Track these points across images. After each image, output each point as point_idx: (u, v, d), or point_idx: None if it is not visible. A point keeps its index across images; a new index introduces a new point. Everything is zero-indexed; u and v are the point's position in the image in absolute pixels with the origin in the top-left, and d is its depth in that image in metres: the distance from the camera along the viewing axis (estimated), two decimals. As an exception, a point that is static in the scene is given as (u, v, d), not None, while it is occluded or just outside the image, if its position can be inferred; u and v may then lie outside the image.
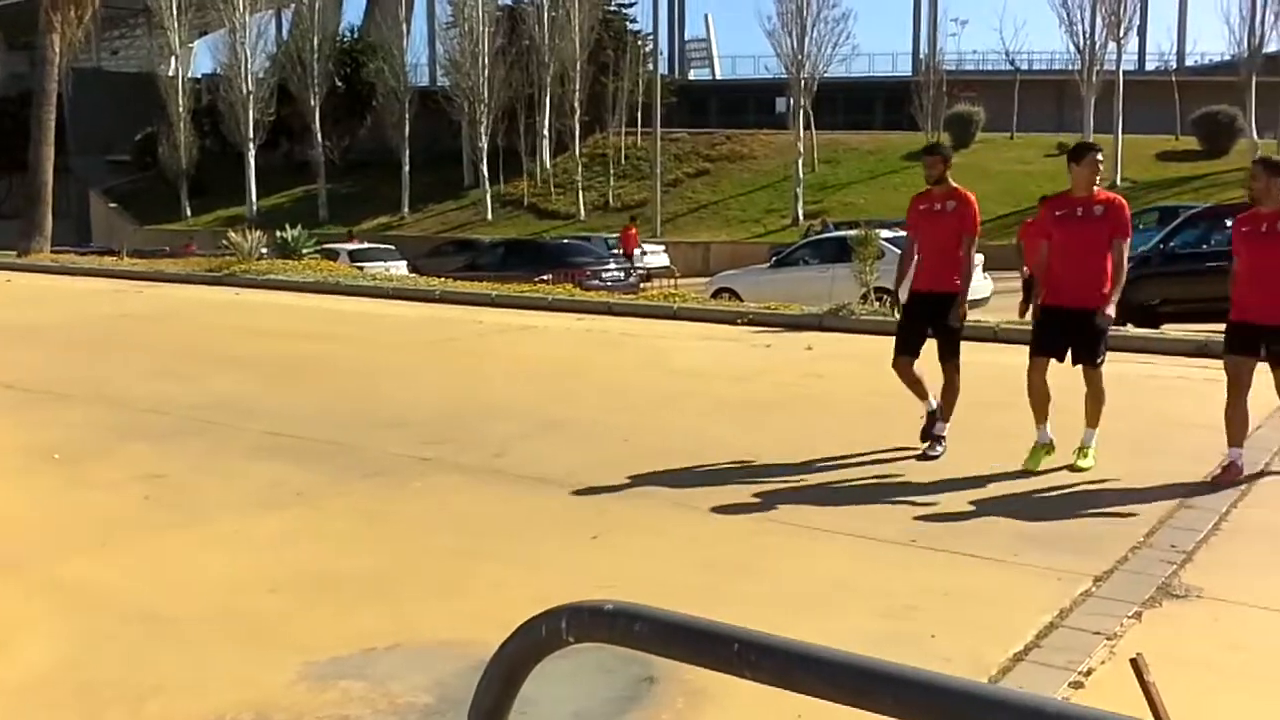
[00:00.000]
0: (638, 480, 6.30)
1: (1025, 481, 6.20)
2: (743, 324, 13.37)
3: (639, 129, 48.45)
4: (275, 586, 4.70)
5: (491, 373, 10.50)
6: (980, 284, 17.20)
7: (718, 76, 64.46)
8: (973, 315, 14.55)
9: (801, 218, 39.44)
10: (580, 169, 45.59)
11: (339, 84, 50.69)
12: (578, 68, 45.33)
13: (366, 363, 11.16)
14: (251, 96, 48.76)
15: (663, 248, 34.40)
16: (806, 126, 43.11)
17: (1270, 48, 39.21)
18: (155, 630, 4.26)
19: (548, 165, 47.81)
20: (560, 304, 15.63)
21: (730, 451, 7.02)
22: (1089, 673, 3.69)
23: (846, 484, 6.25)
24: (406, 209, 47.81)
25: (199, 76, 57.10)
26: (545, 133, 47.50)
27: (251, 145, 49.09)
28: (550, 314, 14.92)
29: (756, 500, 5.86)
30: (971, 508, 5.71)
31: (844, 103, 51.43)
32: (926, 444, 6.79)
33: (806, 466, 6.61)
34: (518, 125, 46.52)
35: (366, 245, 30.09)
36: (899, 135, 46.17)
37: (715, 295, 17.77)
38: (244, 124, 48.63)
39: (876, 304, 14.01)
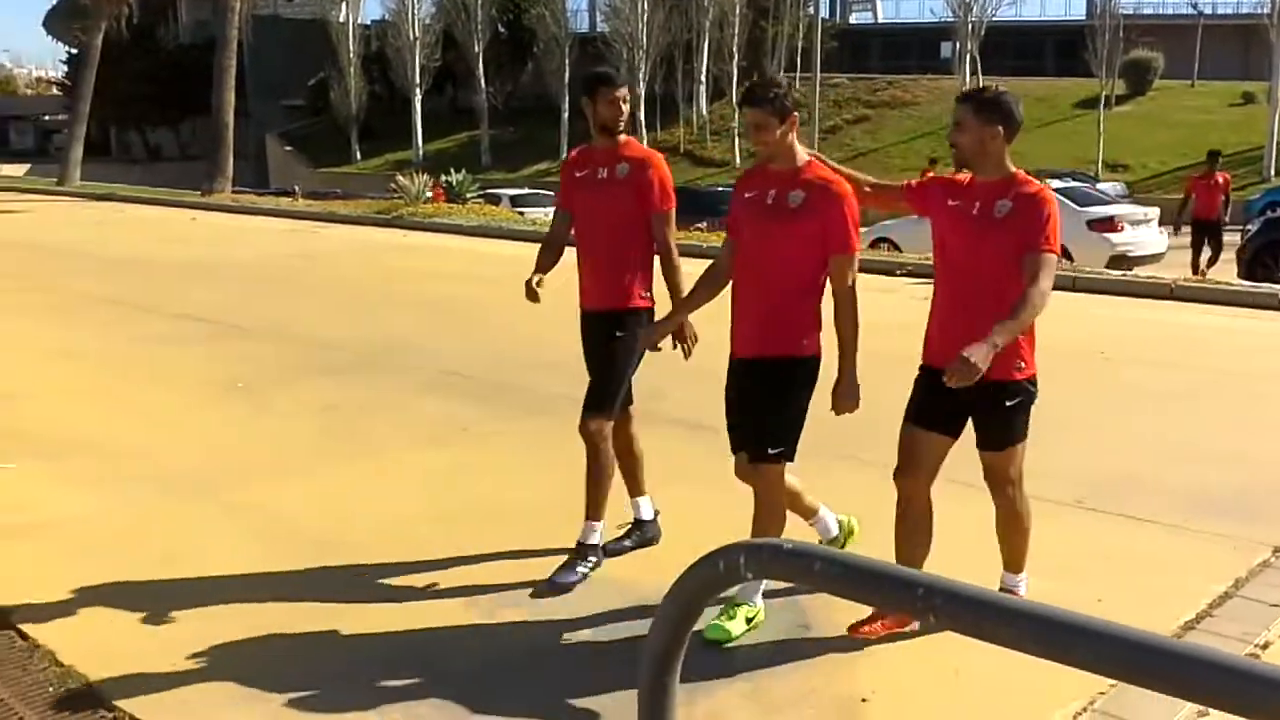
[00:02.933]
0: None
1: (1201, 446, 5.96)
2: (901, 275, 13.11)
3: (798, 74, 47.61)
4: (444, 518, 4.91)
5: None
6: (1155, 238, 16.46)
7: (880, 20, 62.69)
8: (1149, 271, 14.00)
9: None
10: (737, 115, 45.10)
11: (501, 30, 51.35)
12: (737, 12, 44.76)
13: (528, 305, 11.34)
14: (418, 43, 49.86)
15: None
16: (973, 72, 41.62)
17: None
18: (330, 554, 4.49)
19: (704, 112, 47.51)
20: (714, 251, 15.59)
21: (891, 405, 6.92)
22: (1265, 646, 3.56)
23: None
24: (566, 154, 48.30)
25: (368, 23, 58.70)
26: (702, 79, 47.17)
27: (418, 91, 50.28)
28: (707, 261, 14.90)
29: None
30: (1143, 470, 5.52)
31: (1013, 47, 49.37)
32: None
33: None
34: (675, 71, 46.30)
35: (527, 190, 30.54)
36: (1070, 82, 44.12)
37: (873, 245, 17.45)
38: (410, 70, 49.82)
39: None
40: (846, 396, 3.95)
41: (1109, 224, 15.71)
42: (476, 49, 49.46)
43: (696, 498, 5.19)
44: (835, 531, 4.43)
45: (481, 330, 9.72)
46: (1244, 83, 41.76)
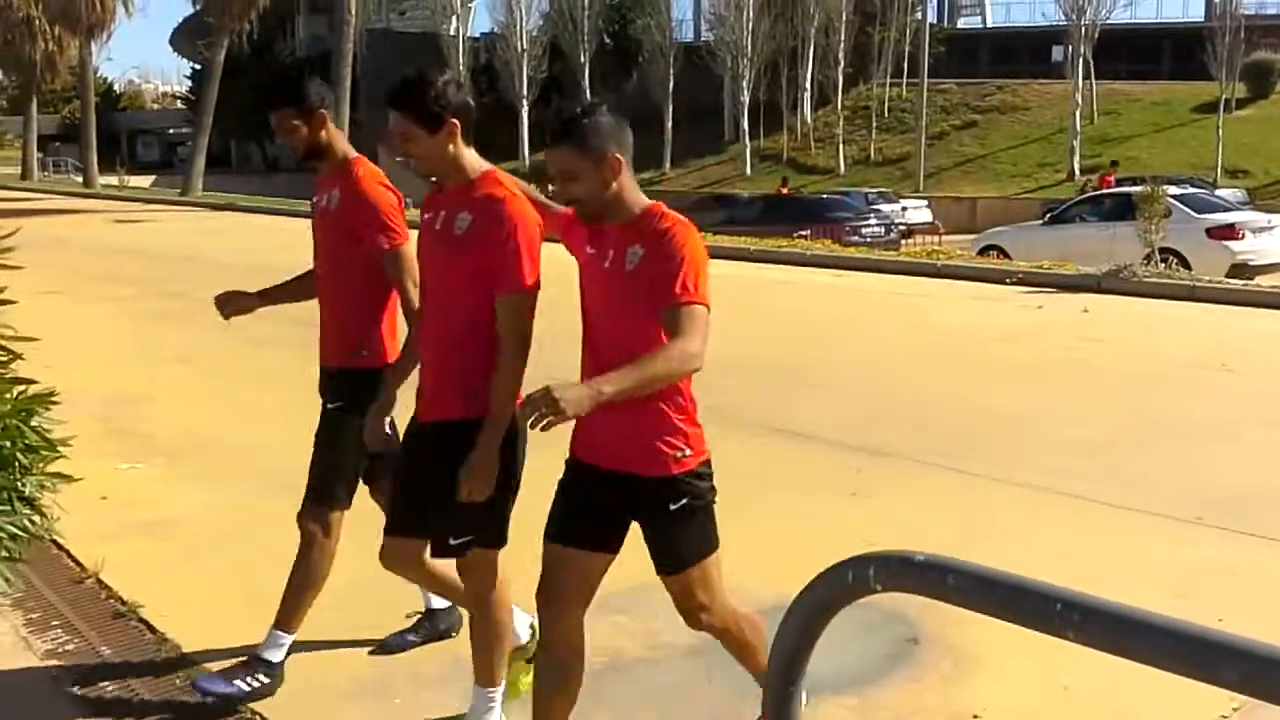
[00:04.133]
0: (896, 440, 6.23)
1: (1330, 463, 5.73)
2: (1011, 283, 12.87)
3: (904, 80, 47.02)
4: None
5: (749, 327, 10.57)
6: (1278, 247, 15.85)
7: (989, 24, 61.52)
8: (1270, 280, 13.48)
9: (1078, 173, 37.28)
10: (841, 122, 44.76)
11: (607, 41, 51.81)
12: (843, 18, 44.41)
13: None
14: (525, 54, 50.60)
15: (925, 203, 33.39)
16: (1085, 76, 40.57)
17: None
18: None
19: (808, 119, 47.21)
20: (818, 259, 15.52)
21: (994, 414, 6.82)
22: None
23: (1125, 455, 5.95)
24: (668, 164, 48.45)
25: (477, 35, 59.75)
26: (807, 86, 46.88)
27: (525, 102, 51.01)
28: (808, 269, 14.85)
29: (1023, 467, 5.68)
30: (1267, 486, 5.33)
31: (1127, 50, 47.98)
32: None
33: (1080, 434, 6.34)
34: (779, 79, 46.11)
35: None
36: (1187, 86, 42.69)
37: (982, 253, 17.14)
38: (518, 81, 50.59)
39: (1162, 265, 13.16)
40: (476, 475, 2.78)
41: (1229, 231, 15.20)
42: (582, 59, 50.01)
43: (809, 505, 5.16)
44: (525, 639, 3.37)
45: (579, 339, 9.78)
46: (1375, 85, 39.98)
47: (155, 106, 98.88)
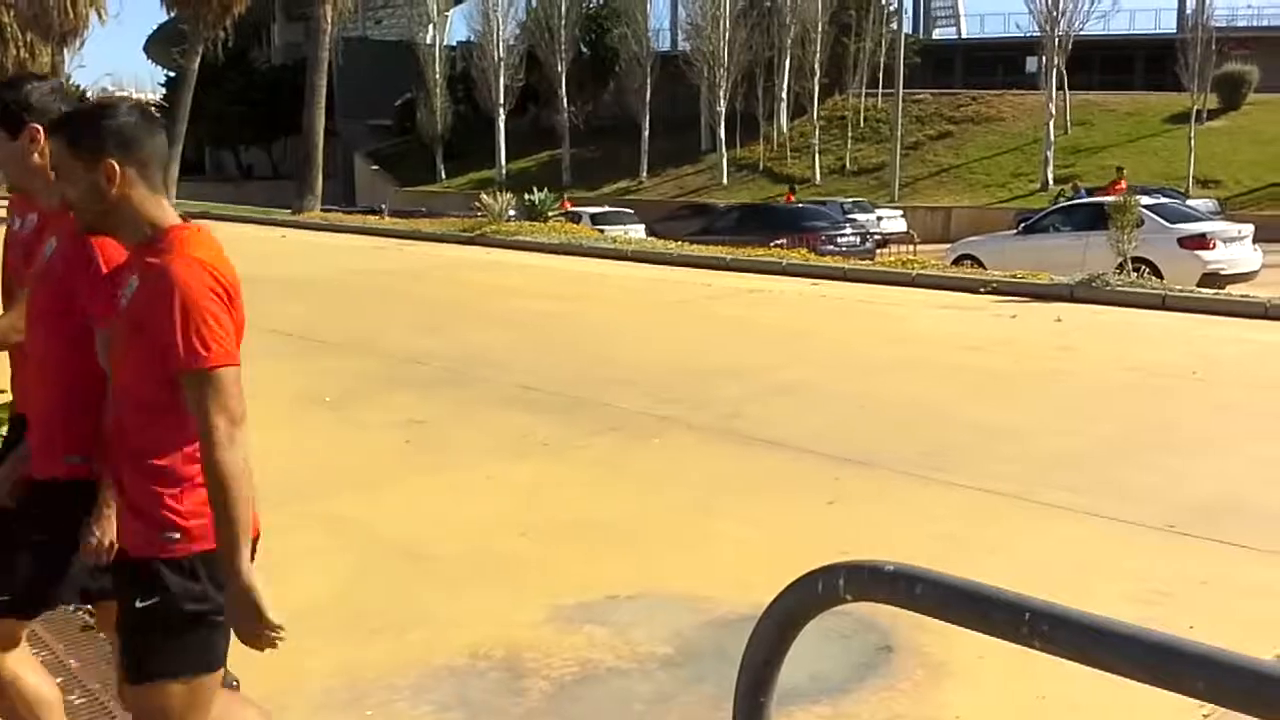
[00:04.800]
0: (873, 449, 6.24)
1: (1299, 470, 5.77)
2: (986, 292, 12.93)
3: (879, 91, 47.25)
4: (526, 530, 4.95)
5: (724, 335, 10.59)
6: (1249, 256, 16.00)
7: (964, 35, 61.94)
8: (1240, 289, 13.63)
9: (1051, 182, 37.54)
10: (817, 132, 44.92)
11: (584, 50, 51.85)
12: (819, 28, 44.58)
13: (606, 322, 11.47)
14: (502, 63, 50.58)
15: (900, 212, 33.55)
16: (1059, 87, 40.88)
17: None
18: (416, 566, 4.57)
19: (784, 129, 47.37)
20: (794, 268, 15.55)
21: (969, 424, 6.85)
22: (1369, 678, 3.43)
23: (1099, 464, 5.99)
24: (645, 173, 48.50)
25: (454, 44, 59.65)
26: (783, 96, 47.04)
27: (501, 111, 50.97)
28: (784, 278, 14.89)
29: (996, 474, 5.70)
30: (1238, 495, 5.37)
31: (1100, 62, 48.39)
32: None
33: (1053, 444, 6.38)
34: (756, 89, 46.24)
35: (607, 209, 30.77)
36: (1159, 96, 43.09)
37: (956, 262, 17.22)
38: (495, 90, 50.54)
39: (1134, 274, 13.26)
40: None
41: (1201, 241, 15.33)
42: (559, 69, 50.00)
43: (784, 514, 5.17)
44: None
45: (561, 346, 9.80)
46: (1344, 96, 40.42)
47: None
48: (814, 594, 1.32)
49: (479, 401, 7.54)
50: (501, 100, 50.78)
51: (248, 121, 60.64)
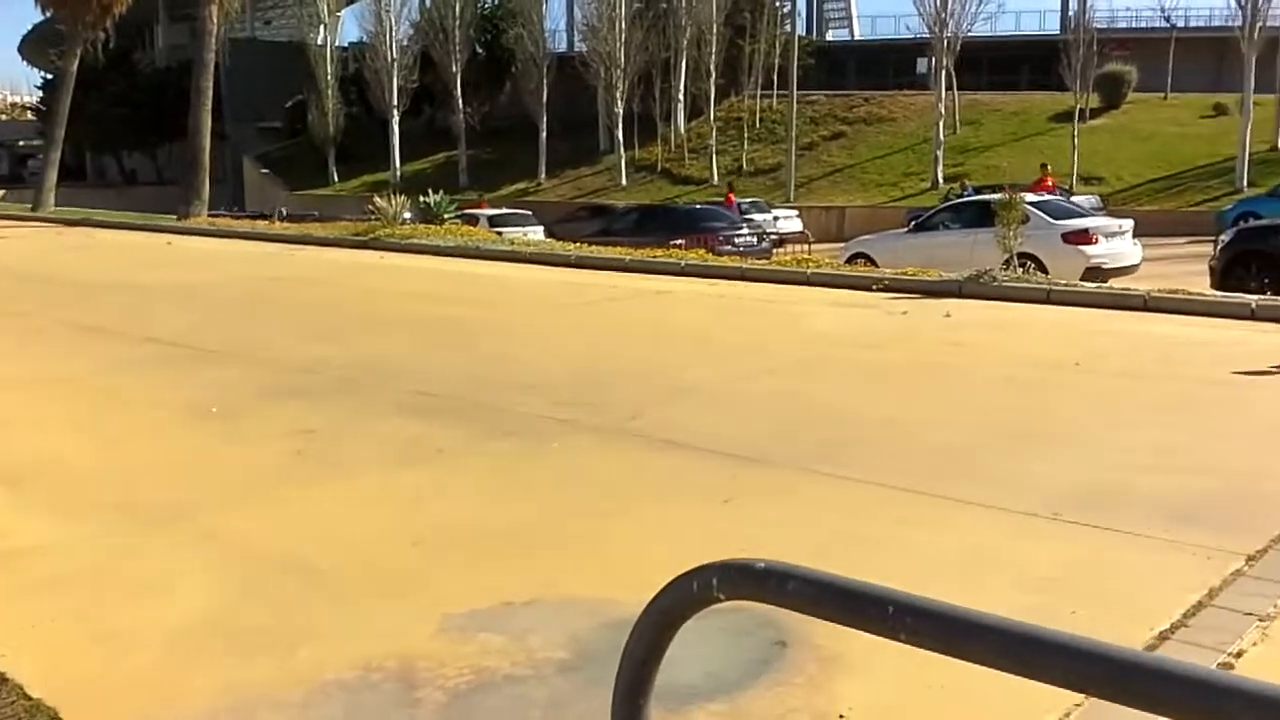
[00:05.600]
0: (770, 446, 6.29)
1: (1177, 456, 5.97)
2: (878, 290, 13.15)
3: (775, 92, 47.87)
4: (418, 540, 4.86)
5: (624, 337, 10.59)
6: (1130, 250, 16.57)
7: (856, 37, 63.13)
8: (1122, 283, 14.10)
9: (941, 181, 38.47)
10: (714, 133, 45.32)
11: (479, 51, 51.50)
12: (714, 30, 45.00)
13: (505, 326, 11.38)
14: (396, 64, 49.94)
15: (796, 212, 34.03)
16: (948, 87, 41.92)
17: None
18: (305, 580, 4.45)
19: (682, 130, 47.68)
20: (693, 269, 15.63)
21: (864, 419, 6.95)
22: (1239, 654, 3.55)
23: (986, 454, 6.12)
24: (543, 174, 48.37)
25: (346, 45, 58.70)
26: (680, 97, 47.36)
27: (395, 112, 50.34)
28: (683, 279, 14.95)
29: (890, 469, 5.78)
30: (1119, 481, 5.53)
31: (988, 63, 49.78)
32: None
33: (945, 436, 6.50)
34: (653, 90, 46.48)
35: (505, 210, 30.57)
36: (1045, 96, 44.52)
37: (850, 260, 17.51)
38: (388, 91, 49.88)
39: (1020, 270, 13.62)
40: None
41: (1084, 236, 15.84)
42: (454, 69, 49.57)
43: (682, 514, 5.16)
44: None
45: (458, 351, 9.68)
46: (1216, 95, 42.17)
47: (3, 118, 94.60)
48: (689, 594, 1.30)
49: (372, 409, 7.40)
50: (395, 101, 50.14)
51: (131, 125, 58.85)
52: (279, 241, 21.80)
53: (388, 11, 50.56)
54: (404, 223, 21.36)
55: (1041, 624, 3.59)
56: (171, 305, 12.70)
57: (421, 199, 23.49)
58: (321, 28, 55.98)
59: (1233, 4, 37.87)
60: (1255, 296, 11.49)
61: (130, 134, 60.25)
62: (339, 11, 60.17)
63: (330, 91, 52.89)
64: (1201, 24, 49.30)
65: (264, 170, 56.71)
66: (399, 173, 49.89)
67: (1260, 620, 3.79)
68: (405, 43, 51.30)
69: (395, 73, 49.97)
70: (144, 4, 44.43)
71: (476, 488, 5.71)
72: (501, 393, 7.76)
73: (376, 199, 22.32)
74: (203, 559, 4.69)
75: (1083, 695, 3.05)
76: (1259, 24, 37.05)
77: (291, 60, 54.86)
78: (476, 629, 3.94)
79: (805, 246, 24.10)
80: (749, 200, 33.87)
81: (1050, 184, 23.84)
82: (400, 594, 4.29)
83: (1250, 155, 35.53)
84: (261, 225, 26.23)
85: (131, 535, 5.01)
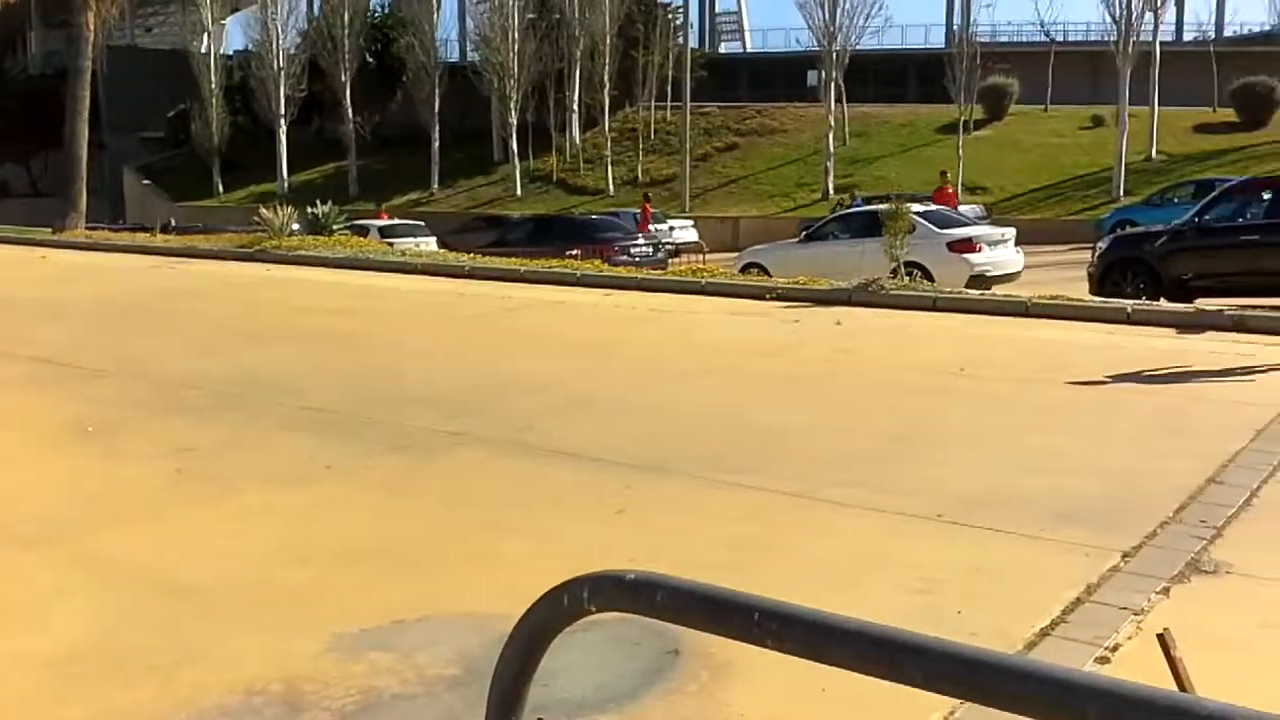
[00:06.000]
0: (665, 455, 6.30)
1: (1058, 458, 6.16)
2: (771, 299, 13.32)
3: (668, 103, 48.21)
4: (305, 559, 4.75)
5: (519, 348, 10.52)
6: (1012, 258, 17.07)
7: (748, 49, 63.95)
8: (1005, 289, 14.53)
9: (832, 192, 39.18)
10: (609, 144, 45.42)
11: (369, 60, 50.77)
12: (607, 41, 45.11)
13: (396, 339, 11.22)
14: (283, 73, 48.93)
15: (691, 223, 34.30)
16: (838, 100, 42.73)
17: (1312, 17, 38.44)
18: (187, 602, 4.31)
19: (577, 140, 47.69)
20: (588, 279, 15.63)
21: (757, 427, 7.02)
22: (1115, 648, 3.67)
23: (877, 460, 6.23)
24: (436, 185, 47.90)
25: (231, 53, 57.31)
26: (574, 108, 47.35)
27: (283, 122, 49.30)
28: (578, 289, 14.94)
29: (783, 476, 5.85)
30: (1002, 483, 5.68)
31: (876, 75, 50.88)
32: None
33: (834, 442, 6.60)
34: (547, 100, 46.41)
35: (396, 221, 30.17)
36: (931, 108, 45.69)
37: (744, 270, 17.71)
38: (275, 101, 48.84)
39: (907, 278, 13.92)
40: None
41: (968, 245, 16.26)
42: (344, 79, 48.78)
43: (575, 526, 5.14)
44: None
45: (348, 364, 9.51)
46: (1093, 106, 43.79)
47: None
48: (560, 608, 1.28)
49: (258, 426, 7.21)
50: (283, 111, 49.11)
51: (2, 135, 56.53)
52: (161, 254, 21.18)
53: (274, 20, 49.51)
54: (292, 234, 20.93)
55: (927, 624, 3.64)
56: (46, 321, 12.22)
57: (310, 210, 23.06)
58: (205, 35, 54.52)
59: (1107, 19, 39.46)
60: (1131, 302, 11.96)
61: (2, 144, 57.89)
62: (223, 19, 58.71)
63: (215, 101, 51.56)
64: (1079, 38, 51.10)
65: (146, 181, 54.97)
66: (287, 184, 48.85)
67: (1135, 615, 3.92)
68: (293, 51, 50.27)
69: (282, 82, 48.94)
70: (17, 9, 42.79)
71: (366, 503, 5.60)
72: (392, 406, 7.64)
73: (263, 210, 21.85)
74: (78, 581, 4.51)
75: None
76: (1132, 39, 38.62)
77: (174, 68, 53.34)
78: (366, 648, 3.86)
79: (700, 257, 24.30)
80: (632, 211, 34.02)
81: (950, 191, 24.45)
82: (286, 614, 4.18)
83: (1126, 165, 36.97)
84: (142, 238, 25.46)
85: (4, 559, 4.80)
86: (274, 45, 48.97)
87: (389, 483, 5.96)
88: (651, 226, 30.15)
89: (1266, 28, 41.24)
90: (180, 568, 4.70)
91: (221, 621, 4.12)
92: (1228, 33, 51.92)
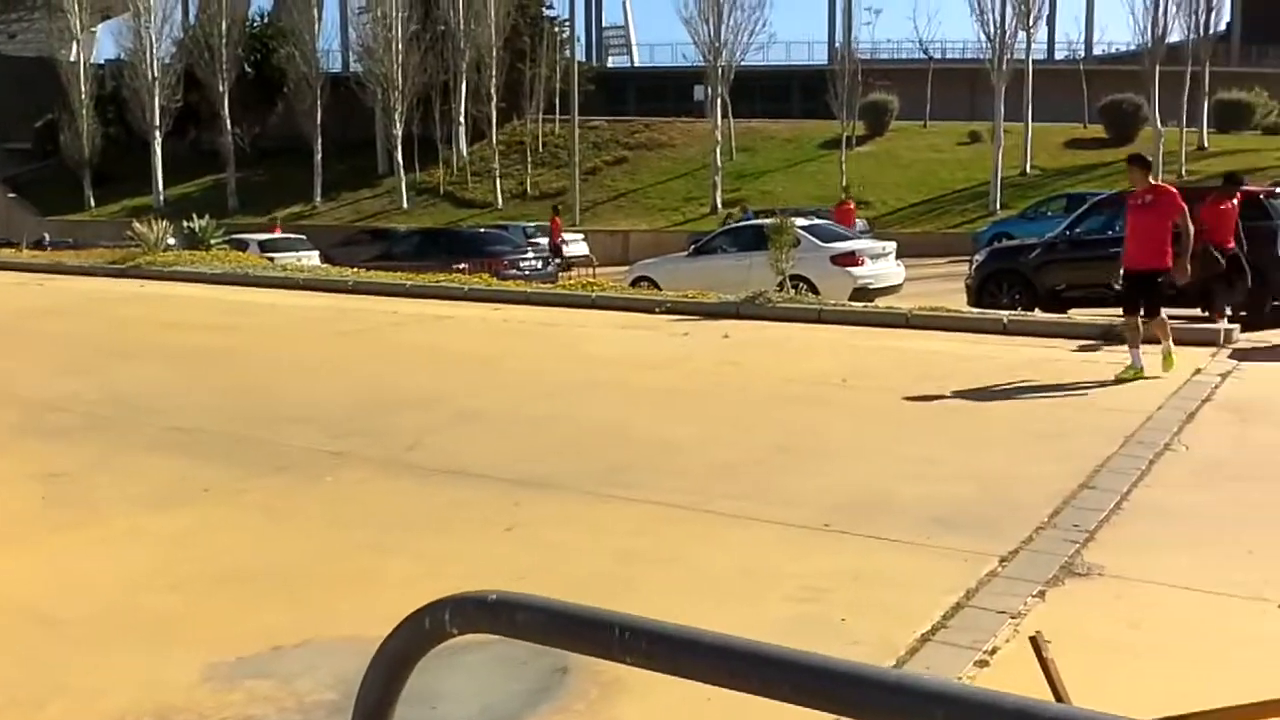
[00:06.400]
0: (554, 470, 6.26)
1: (936, 466, 6.29)
2: (661, 312, 13.37)
3: (557, 116, 48.18)
4: (179, 585, 4.58)
5: (405, 364, 10.36)
6: (894, 271, 17.45)
7: (636, 64, 64.36)
8: (887, 302, 14.85)
9: (720, 206, 39.60)
10: (497, 157, 45.18)
11: (248, 70, 49.54)
12: (494, 54, 44.87)
13: (276, 355, 10.94)
14: (157, 83, 47.43)
15: (581, 237, 34.30)
16: (725, 114, 43.25)
17: (1172, 38, 40.21)
18: (54, 632, 4.12)
19: (464, 153, 47.30)
20: (476, 294, 15.49)
21: (647, 440, 7.02)
22: (994, 651, 3.75)
23: (764, 471, 6.28)
24: (319, 198, 46.98)
25: (102, 62, 55.36)
26: (461, 120, 46.97)
27: (158, 133, 47.79)
28: (466, 304, 14.79)
29: (672, 488, 5.86)
30: (886, 491, 5.78)
31: (761, 91, 51.70)
32: None
33: (721, 454, 6.64)
34: (433, 112, 45.95)
35: (279, 235, 29.47)
36: (815, 123, 46.56)
37: (634, 284, 17.75)
38: (149, 111, 47.32)
39: (793, 291, 14.12)
40: None
41: (851, 258, 16.56)
42: (221, 89, 47.54)
43: (462, 545, 5.05)
44: None
45: (226, 383, 9.23)
46: (971, 123, 45.18)
47: None
48: (421, 632, 1.24)
49: (130, 448, 6.94)
50: (157, 122, 47.59)
51: None
52: (27, 271, 20.33)
53: (147, 28, 47.93)
54: (168, 249, 20.29)
55: (813, 633, 3.67)
56: (-100, 341, 11.61)
57: (186, 224, 22.39)
58: (74, 43, 52.59)
59: (983, 38, 40.77)
60: (1007, 313, 12.33)
61: None
62: (94, 27, 56.72)
63: (85, 111, 49.71)
64: (956, 56, 52.68)
65: (11, 195, 52.65)
66: (162, 197, 47.34)
67: (1012, 618, 4.02)
68: (168, 60, 48.81)
69: (157, 92, 47.42)
70: None
71: (244, 526, 5.43)
72: (272, 426, 7.43)
73: (136, 224, 21.14)
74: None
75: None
76: (1007, 57, 39.98)
77: (40, 77, 51.29)
78: (243, 675, 3.73)
79: (591, 270, 24.30)
80: (534, 224, 33.92)
81: (852, 208, 24.98)
82: (159, 643, 4.02)
83: (1002, 180, 38.20)
84: (7, 253, 24.40)
85: None
86: (148, 54, 47.42)
87: (267, 505, 5.79)
88: (563, 236, 30.14)
89: (1132, 47, 43.02)
90: (46, 596, 4.49)
91: (90, 652, 3.95)
92: (1096, 52, 54.15)
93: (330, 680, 3.63)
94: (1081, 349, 10.34)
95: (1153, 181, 9.29)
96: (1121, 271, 9.29)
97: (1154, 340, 8.99)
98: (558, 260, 25.45)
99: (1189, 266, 9.02)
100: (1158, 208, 8.93)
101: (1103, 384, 8.59)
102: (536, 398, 8.55)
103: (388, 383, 9.19)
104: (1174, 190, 9.29)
